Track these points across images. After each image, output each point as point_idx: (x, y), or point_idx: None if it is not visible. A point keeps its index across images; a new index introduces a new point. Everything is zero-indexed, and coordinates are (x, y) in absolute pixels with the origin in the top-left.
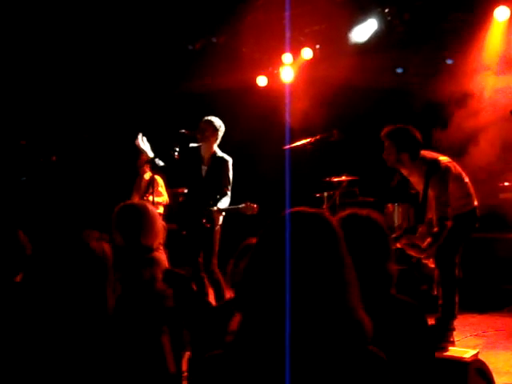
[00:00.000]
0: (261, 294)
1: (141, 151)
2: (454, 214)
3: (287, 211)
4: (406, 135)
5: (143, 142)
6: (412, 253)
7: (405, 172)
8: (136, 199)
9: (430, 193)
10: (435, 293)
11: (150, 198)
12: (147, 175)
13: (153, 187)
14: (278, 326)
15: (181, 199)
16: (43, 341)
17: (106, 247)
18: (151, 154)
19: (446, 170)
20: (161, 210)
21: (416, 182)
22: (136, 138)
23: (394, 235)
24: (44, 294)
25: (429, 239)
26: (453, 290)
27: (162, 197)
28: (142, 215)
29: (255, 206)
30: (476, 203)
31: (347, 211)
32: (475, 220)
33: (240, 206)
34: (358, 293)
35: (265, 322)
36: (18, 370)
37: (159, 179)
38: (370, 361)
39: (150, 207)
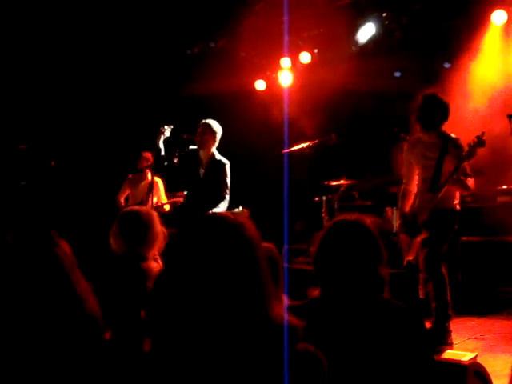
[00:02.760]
0: (171, 301)
1: (157, 136)
2: (437, 209)
3: (199, 217)
4: (442, 102)
5: (164, 131)
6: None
7: (424, 137)
8: (123, 196)
9: (446, 162)
10: (422, 296)
11: (164, 200)
12: (149, 177)
13: (153, 189)
14: (193, 332)
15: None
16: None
17: (66, 247)
18: (161, 146)
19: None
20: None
21: (429, 152)
22: (163, 127)
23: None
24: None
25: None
26: (444, 290)
27: (161, 201)
28: (145, 225)
29: (246, 211)
30: (459, 208)
31: (336, 218)
32: (456, 220)
33: (234, 211)
34: (276, 296)
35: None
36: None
37: (161, 183)
38: (300, 360)
39: (154, 216)
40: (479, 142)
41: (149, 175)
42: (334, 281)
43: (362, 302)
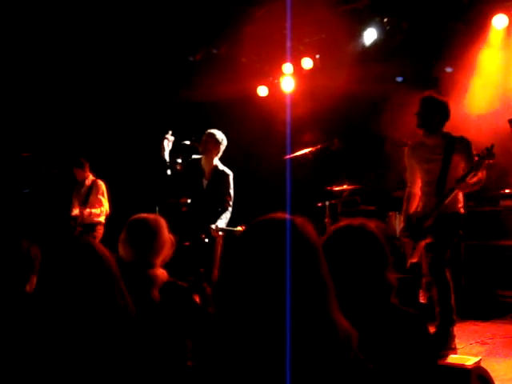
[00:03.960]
0: (239, 303)
1: (161, 148)
2: (442, 213)
3: (260, 218)
4: (440, 102)
5: (168, 141)
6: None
7: (427, 141)
8: (76, 208)
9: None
10: (423, 301)
11: (88, 210)
12: (89, 180)
13: (91, 194)
14: (257, 337)
15: (184, 209)
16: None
17: (106, 250)
18: (167, 158)
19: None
20: (102, 218)
21: (433, 154)
22: (166, 134)
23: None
24: (56, 303)
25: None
26: (448, 295)
27: (102, 207)
28: (153, 232)
29: None
30: (463, 211)
31: (341, 223)
32: (460, 225)
33: (235, 229)
34: (336, 301)
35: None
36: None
37: (102, 185)
38: (351, 368)
39: (163, 223)
40: (488, 154)
41: (88, 179)
42: (339, 286)
43: (368, 308)
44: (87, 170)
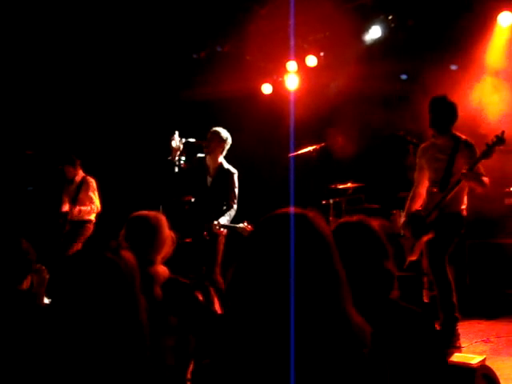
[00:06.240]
0: (254, 298)
1: (171, 148)
2: (445, 212)
3: (272, 213)
4: (449, 104)
5: (176, 141)
6: None
7: (437, 141)
8: (66, 204)
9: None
10: (426, 300)
11: (77, 207)
12: (78, 177)
13: (81, 191)
14: (272, 330)
15: (187, 207)
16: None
17: (129, 257)
18: (176, 158)
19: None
20: (92, 216)
21: (441, 154)
22: (173, 135)
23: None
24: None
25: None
26: (449, 292)
27: (92, 205)
28: (154, 229)
29: (250, 228)
30: (465, 213)
31: (339, 220)
32: (462, 225)
33: (238, 225)
34: (350, 295)
35: (261, 326)
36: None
37: (93, 182)
38: (366, 363)
39: (163, 220)
40: (498, 140)
41: (78, 175)
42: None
43: (371, 304)
44: (78, 167)
